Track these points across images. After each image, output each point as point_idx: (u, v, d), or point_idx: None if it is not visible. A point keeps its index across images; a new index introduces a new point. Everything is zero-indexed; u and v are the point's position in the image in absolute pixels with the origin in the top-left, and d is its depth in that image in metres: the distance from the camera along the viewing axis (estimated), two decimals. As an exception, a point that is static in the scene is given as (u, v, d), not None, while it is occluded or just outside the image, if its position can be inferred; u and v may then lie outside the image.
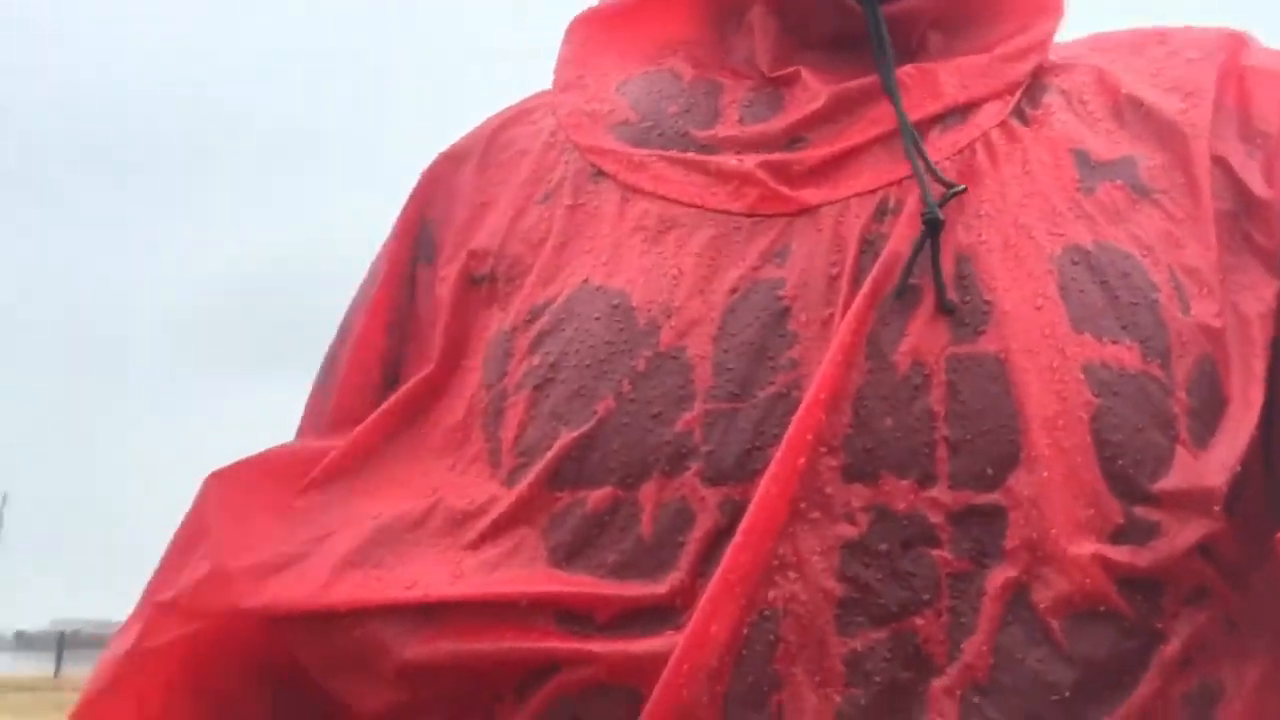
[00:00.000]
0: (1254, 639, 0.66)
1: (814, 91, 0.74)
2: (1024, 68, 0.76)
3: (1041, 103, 0.75)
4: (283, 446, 0.81)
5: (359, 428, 0.76)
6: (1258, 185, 0.71)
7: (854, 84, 0.74)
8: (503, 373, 0.73)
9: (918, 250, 0.67)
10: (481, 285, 0.77)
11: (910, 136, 0.70)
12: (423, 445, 0.75)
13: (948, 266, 0.67)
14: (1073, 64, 0.78)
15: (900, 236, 0.68)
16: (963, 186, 0.69)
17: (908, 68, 0.75)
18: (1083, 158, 0.72)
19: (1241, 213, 0.71)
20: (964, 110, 0.73)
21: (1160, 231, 0.70)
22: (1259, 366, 0.67)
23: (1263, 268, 0.70)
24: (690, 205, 0.72)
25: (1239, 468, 0.65)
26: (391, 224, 0.84)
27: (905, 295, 0.67)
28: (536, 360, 0.71)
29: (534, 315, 0.73)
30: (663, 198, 0.73)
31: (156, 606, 0.74)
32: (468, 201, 0.81)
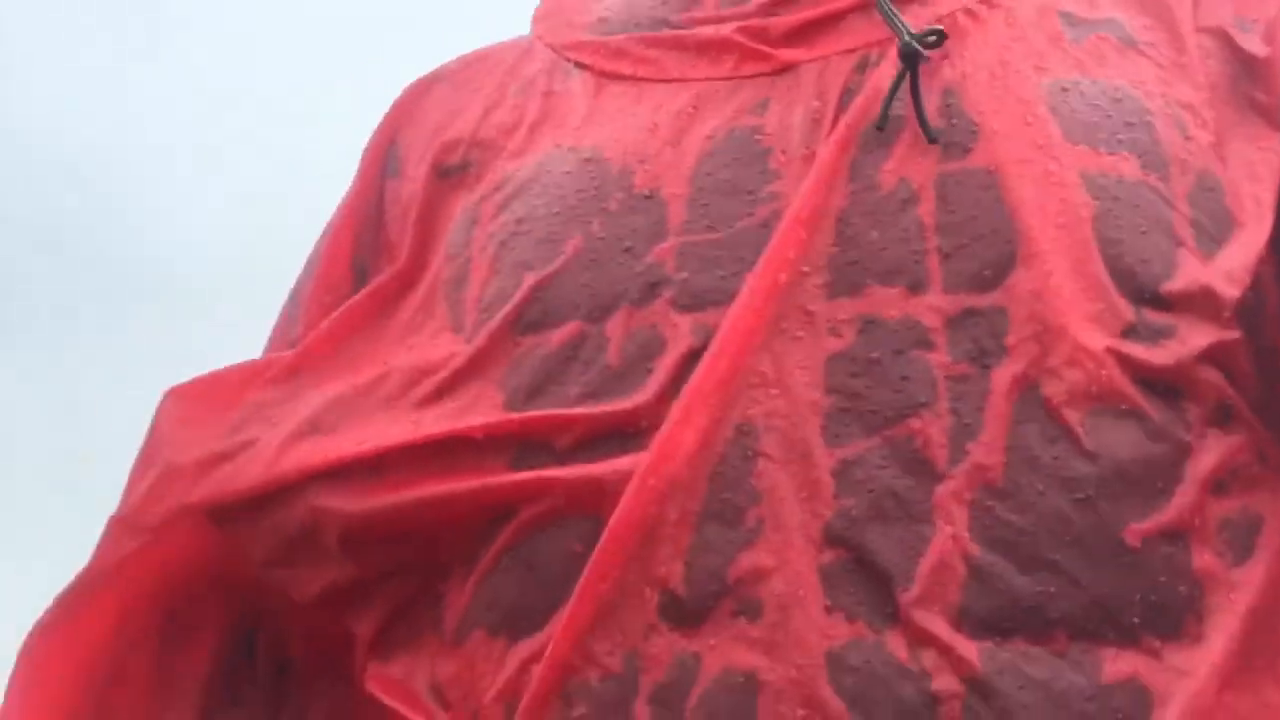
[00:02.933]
0: None
1: None
2: None
3: None
4: (242, 362, 0.76)
5: (322, 324, 0.71)
6: (1256, 46, 0.69)
7: None
8: (468, 241, 0.69)
9: (898, 82, 0.63)
10: (452, 174, 0.74)
11: None
12: (387, 334, 0.70)
13: (934, 98, 0.64)
14: None
15: (883, 75, 0.65)
16: (939, 28, 0.65)
17: None
18: (1068, 17, 0.70)
19: (1242, 75, 0.69)
20: None
21: (1151, 73, 0.67)
22: (1268, 199, 0.63)
23: (1266, 124, 0.67)
24: (670, 80, 0.70)
25: (1249, 281, 0.60)
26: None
27: (888, 126, 0.63)
28: (503, 219, 0.67)
29: (502, 184, 0.69)
30: (641, 79, 0.71)
31: (112, 522, 0.70)
32: (439, 112, 0.78)
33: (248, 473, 0.65)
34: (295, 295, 0.79)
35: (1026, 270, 0.58)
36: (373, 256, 0.77)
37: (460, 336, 0.66)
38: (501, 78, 0.77)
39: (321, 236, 0.80)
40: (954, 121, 0.63)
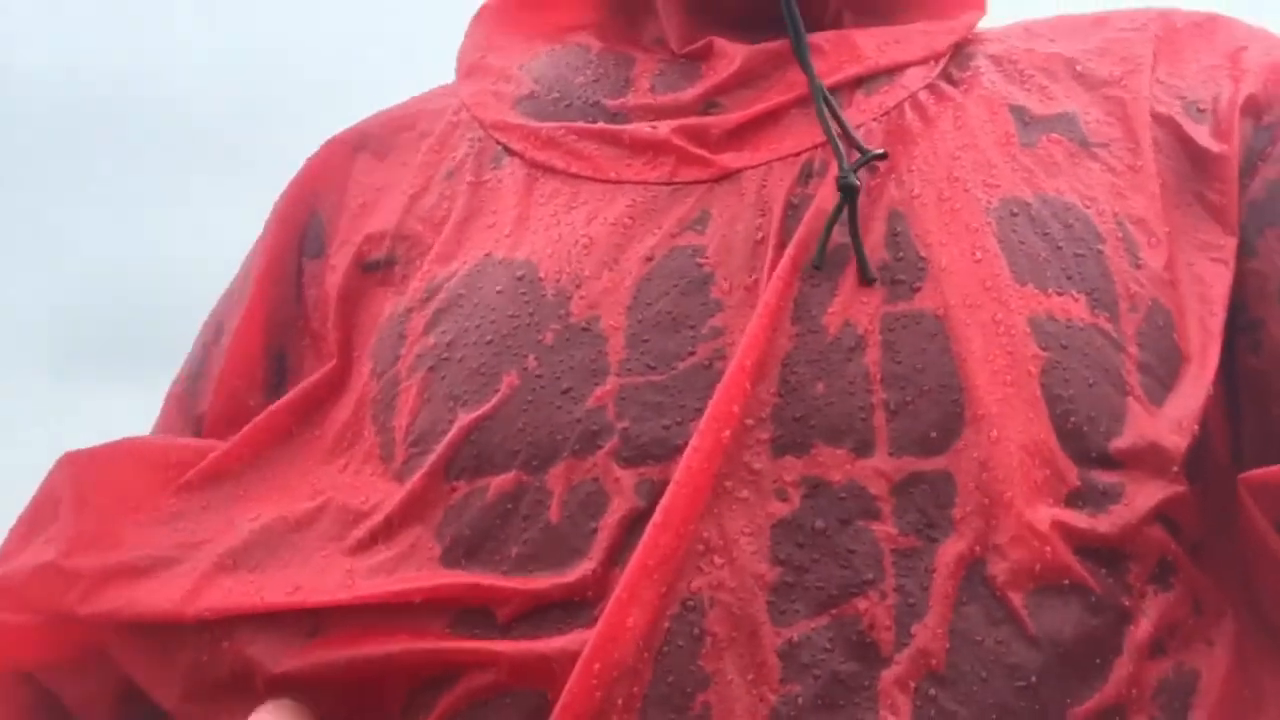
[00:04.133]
0: (1217, 624, 0.61)
1: (729, 57, 0.69)
2: (946, 40, 0.71)
3: (970, 66, 0.70)
4: (151, 438, 0.73)
5: (248, 427, 0.68)
6: (1207, 141, 0.67)
7: (769, 46, 0.69)
8: (395, 358, 0.66)
9: (834, 217, 0.61)
10: (376, 270, 0.70)
11: (822, 99, 0.65)
12: (315, 447, 0.67)
13: (879, 225, 0.62)
14: (1001, 37, 0.74)
15: (826, 197, 0.63)
16: (881, 152, 0.63)
17: (825, 33, 0.70)
18: (1020, 113, 0.67)
19: (1191, 172, 0.67)
20: (889, 73, 0.69)
21: (1104, 183, 0.65)
22: (1215, 325, 0.62)
23: (1218, 226, 0.66)
24: (604, 181, 0.67)
25: (1197, 428, 0.60)
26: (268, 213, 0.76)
27: (835, 255, 0.61)
28: (432, 341, 0.64)
29: (430, 293, 0.66)
30: (574, 176, 0.67)
31: None
32: (363, 188, 0.74)
33: (162, 597, 0.62)
34: (199, 363, 0.75)
35: (974, 434, 0.57)
36: (292, 341, 0.73)
37: (390, 469, 0.63)
38: (427, 154, 0.73)
39: (230, 300, 0.76)
40: (901, 255, 0.61)
